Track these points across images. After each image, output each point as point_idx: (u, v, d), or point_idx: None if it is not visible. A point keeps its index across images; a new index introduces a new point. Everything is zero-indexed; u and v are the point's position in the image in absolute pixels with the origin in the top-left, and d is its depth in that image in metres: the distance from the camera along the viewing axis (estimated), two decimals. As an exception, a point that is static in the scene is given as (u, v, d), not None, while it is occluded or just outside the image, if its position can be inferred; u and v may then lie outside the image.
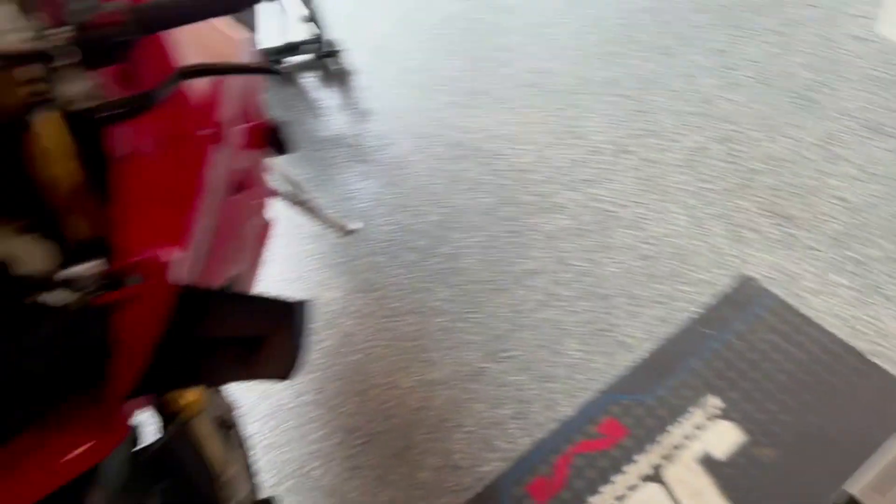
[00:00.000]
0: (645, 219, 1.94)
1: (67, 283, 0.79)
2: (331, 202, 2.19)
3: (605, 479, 1.55)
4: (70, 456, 0.86)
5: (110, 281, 0.81)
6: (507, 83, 2.42)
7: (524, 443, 1.64)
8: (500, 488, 1.58)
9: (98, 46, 0.86)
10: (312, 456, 1.71)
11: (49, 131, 0.91)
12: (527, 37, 2.51)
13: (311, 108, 2.54)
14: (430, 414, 1.71)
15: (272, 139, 1.36)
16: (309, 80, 2.65)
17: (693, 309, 1.75)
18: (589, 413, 1.65)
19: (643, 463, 1.55)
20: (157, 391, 0.92)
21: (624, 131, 2.16)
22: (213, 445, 1.19)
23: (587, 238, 1.93)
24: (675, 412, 1.61)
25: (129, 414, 0.93)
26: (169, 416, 1.08)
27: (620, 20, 2.49)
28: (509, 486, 1.58)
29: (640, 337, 1.73)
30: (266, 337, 0.94)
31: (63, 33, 0.83)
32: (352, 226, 1.96)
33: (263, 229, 1.47)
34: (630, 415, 1.63)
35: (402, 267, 2.01)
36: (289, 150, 1.37)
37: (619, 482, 1.54)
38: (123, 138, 0.96)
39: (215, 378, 0.93)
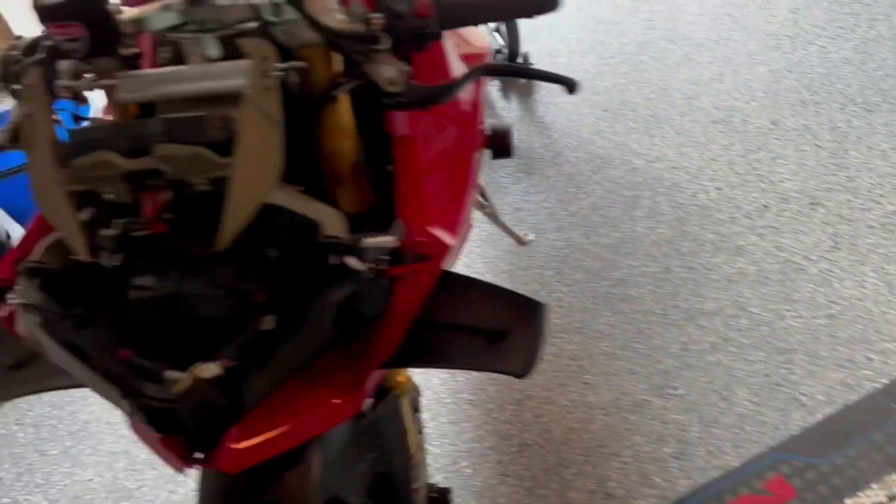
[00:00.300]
0: (833, 277, 1.85)
1: (360, 252, 0.82)
2: (503, 211, 2.20)
3: (768, 539, 1.49)
4: (322, 411, 0.90)
5: (394, 255, 0.84)
6: (692, 116, 2.37)
7: (683, 485, 1.59)
8: (653, 526, 1.55)
9: (406, 36, 0.89)
10: (465, 455, 1.72)
11: (344, 107, 0.96)
12: (718, 73, 2.45)
13: (491, 116, 2.57)
14: (587, 437, 1.70)
15: (499, 143, 1.38)
16: (491, 88, 2.68)
17: (879, 379, 1.66)
18: (756, 467, 1.59)
19: (816, 530, 1.48)
20: (396, 365, 0.95)
21: (816, 183, 2.08)
22: (410, 426, 1.22)
23: (768, 287, 1.87)
24: (853, 484, 1.53)
25: (374, 382, 0.96)
26: (379, 391, 1.11)
27: (822, 68, 2.40)
28: (664, 526, 1.54)
29: (818, 398, 1.66)
30: (508, 331, 0.95)
31: (379, 19, 0.86)
32: (528, 237, 1.97)
33: (469, 229, 1.50)
34: (801, 477, 1.56)
35: (569, 285, 2.00)
36: (511, 155, 1.39)
37: (783, 545, 1.48)
38: (406, 122, 1.00)
39: (453, 362, 0.95)
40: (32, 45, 0.95)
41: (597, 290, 1.97)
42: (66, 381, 1.02)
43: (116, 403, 0.87)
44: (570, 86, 0.93)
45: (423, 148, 0.97)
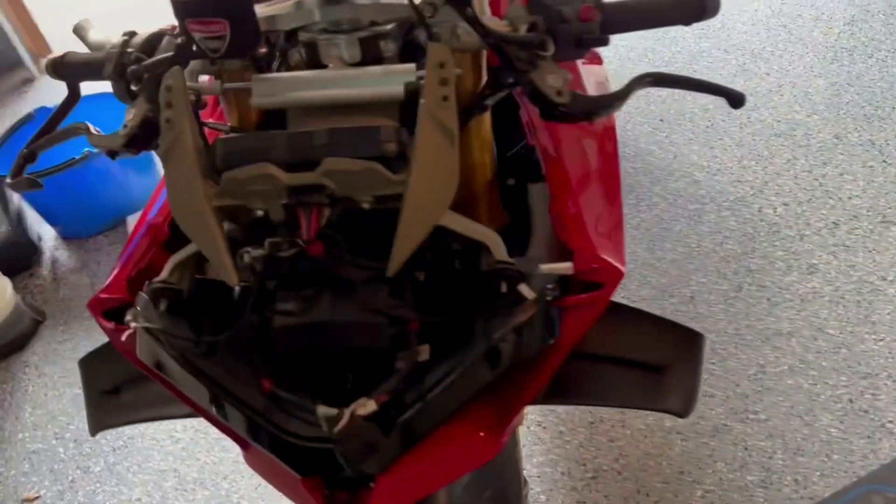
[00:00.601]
0: (914, 299, 1.80)
1: (527, 278, 0.75)
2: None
3: (866, 575, 1.42)
4: (470, 451, 0.82)
5: (561, 283, 0.77)
6: (752, 129, 2.31)
7: (771, 515, 1.53)
8: (743, 559, 1.48)
9: (566, 42, 0.82)
10: (537, 480, 1.64)
11: (487, 119, 0.88)
12: (776, 84, 2.40)
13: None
14: (666, 463, 1.62)
15: None
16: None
17: (972, 407, 1.60)
18: (848, 498, 1.52)
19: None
20: (544, 402, 0.87)
21: (886, 201, 2.02)
22: (521, 456, 1.15)
23: (845, 308, 1.80)
24: (953, 518, 1.47)
25: (519, 419, 0.88)
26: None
27: (883, 82, 2.35)
28: (754, 559, 1.47)
29: (907, 426, 1.60)
30: (667, 365, 0.88)
31: (542, 23, 0.79)
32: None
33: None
34: (896, 510, 1.50)
35: (636, 302, 1.93)
36: None
37: (883, 582, 1.41)
38: (557, 137, 0.92)
39: (608, 399, 0.87)
40: (152, 42, 0.87)
41: (665, 307, 1.90)
42: (171, 411, 0.94)
43: (247, 438, 0.79)
44: (736, 99, 0.86)
45: (575, 164, 0.89)
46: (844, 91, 2.34)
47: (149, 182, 2.55)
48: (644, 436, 1.68)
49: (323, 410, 0.73)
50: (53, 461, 1.86)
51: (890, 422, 1.61)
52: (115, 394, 0.97)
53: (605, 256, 0.78)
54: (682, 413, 0.87)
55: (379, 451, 0.72)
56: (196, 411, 0.86)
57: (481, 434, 0.84)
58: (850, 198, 2.04)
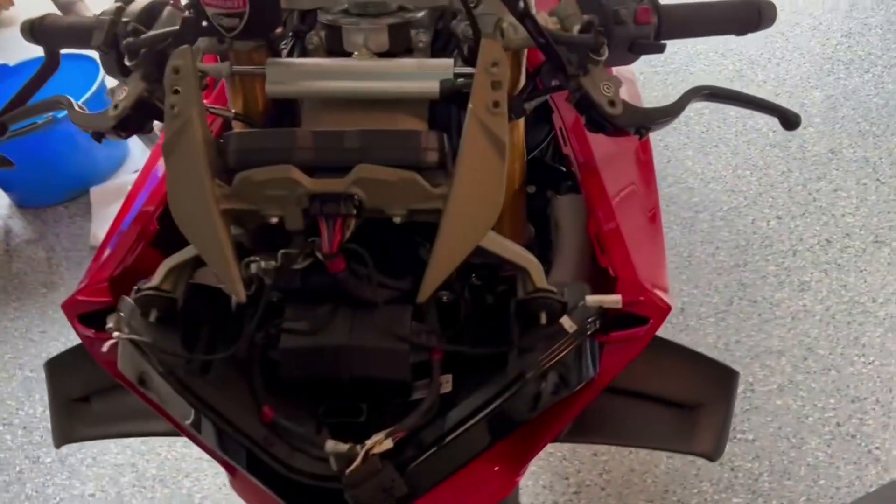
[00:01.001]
0: (904, 323, 1.77)
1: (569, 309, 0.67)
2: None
3: None
4: (487, 492, 0.75)
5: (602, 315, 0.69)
6: (747, 137, 2.27)
7: (756, 540, 1.49)
8: (727, 584, 1.44)
9: (619, 45, 0.74)
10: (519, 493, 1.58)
11: (522, 125, 0.80)
12: (772, 93, 2.36)
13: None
14: (651, 480, 1.57)
15: None
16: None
17: (959, 437, 1.59)
18: (834, 526, 1.50)
19: None
20: (568, 440, 0.80)
21: (879, 220, 1.99)
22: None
23: (836, 329, 1.77)
24: (938, 551, 1.45)
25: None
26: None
27: (879, 98, 2.33)
28: (738, 584, 1.43)
29: (893, 454, 1.57)
30: (700, 404, 0.81)
31: (596, 24, 0.71)
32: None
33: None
34: (881, 540, 1.47)
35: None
36: None
37: None
38: (597, 150, 0.84)
39: (637, 439, 0.81)
40: (150, 12, 0.76)
41: (654, 317, 1.85)
42: (150, 427, 0.85)
43: (240, 469, 0.70)
44: (791, 121, 0.79)
45: (613, 180, 0.82)
46: (840, 105, 2.32)
47: (117, 152, 2.40)
48: (629, 451, 1.63)
49: (332, 446, 0.65)
50: (0, 449, 1.73)
51: (877, 448, 1.59)
52: (85, 402, 0.87)
53: (653, 289, 0.71)
54: (713, 456, 0.81)
55: (394, 495, 0.64)
56: (181, 431, 0.77)
57: (496, 469, 0.76)
58: (843, 215, 2.01)
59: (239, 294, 0.64)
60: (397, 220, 0.63)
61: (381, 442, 0.64)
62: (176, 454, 1.67)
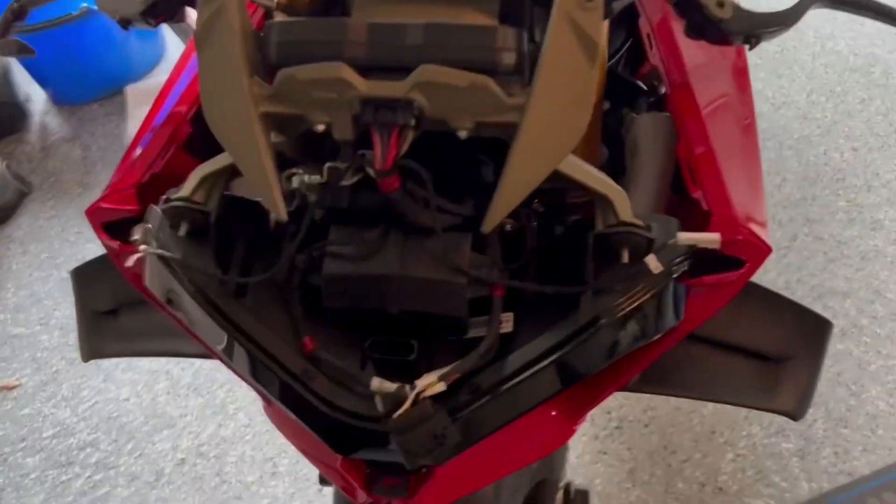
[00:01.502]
0: (984, 270, 1.65)
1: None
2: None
3: (900, 561, 1.34)
4: (542, 440, 0.68)
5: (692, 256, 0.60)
6: (825, 59, 2.09)
7: (804, 488, 1.43)
8: (771, 530, 1.39)
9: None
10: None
11: (606, 27, 0.69)
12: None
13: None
14: (697, 420, 1.51)
15: None
16: None
17: None
18: (890, 478, 1.43)
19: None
20: (635, 389, 0.72)
21: (965, 157, 1.84)
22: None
23: (908, 272, 1.66)
24: None
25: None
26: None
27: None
28: (783, 531, 1.38)
29: (960, 408, 1.48)
30: (788, 356, 0.73)
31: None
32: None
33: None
34: (939, 496, 1.40)
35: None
36: None
37: (917, 570, 1.33)
38: (677, 57, 0.73)
39: (712, 393, 0.73)
40: None
41: (711, 250, 1.75)
42: (180, 347, 0.79)
43: (273, 401, 0.64)
44: None
45: (708, 99, 0.71)
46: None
47: (153, 49, 2.31)
48: (676, 388, 1.56)
49: (379, 384, 0.58)
50: (36, 349, 1.72)
51: (943, 401, 1.50)
52: (114, 315, 0.81)
53: (751, 227, 0.61)
54: (796, 415, 0.73)
55: (446, 444, 0.58)
56: (212, 354, 0.71)
57: (553, 414, 0.69)
58: (925, 150, 1.86)
59: (279, 211, 0.56)
60: (463, 134, 0.54)
61: (433, 384, 0.57)
62: (211, 364, 1.64)
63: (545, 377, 0.59)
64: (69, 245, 1.86)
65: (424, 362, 0.62)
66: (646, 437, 1.50)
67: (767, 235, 0.63)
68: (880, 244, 1.71)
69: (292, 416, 0.63)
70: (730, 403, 0.74)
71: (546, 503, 1.06)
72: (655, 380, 0.71)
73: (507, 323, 0.61)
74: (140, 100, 2.09)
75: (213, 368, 1.63)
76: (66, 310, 1.75)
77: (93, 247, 1.84)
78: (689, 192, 0.64)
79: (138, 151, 0.72)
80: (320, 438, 0.62)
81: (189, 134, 0.72)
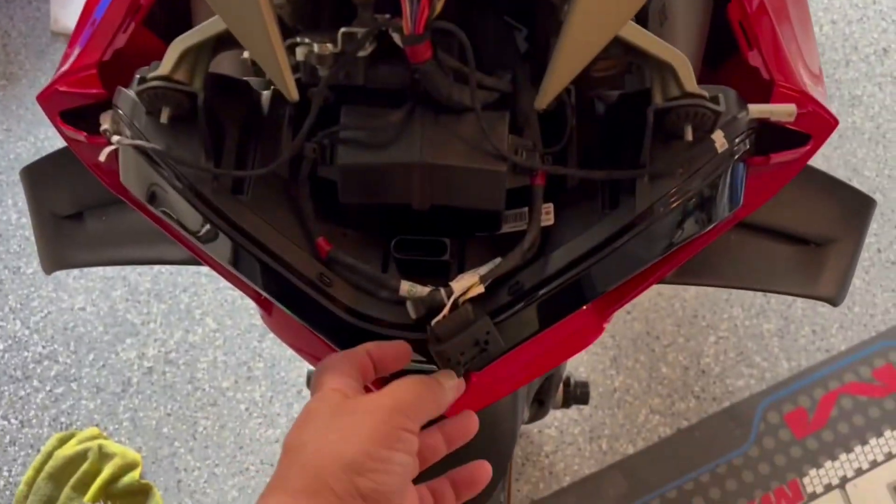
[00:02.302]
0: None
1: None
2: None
3: (876, 430, 1.38)
4: (572, 340, 0.63)
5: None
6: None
7: (784, 367, 1.44)
8: (752, 408, 1.41)
9: None
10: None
11: None
12: None
13: None
14: (679, 305, 1.50)
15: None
16: None
17: None
18: (865, 353, 1.45)
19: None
20: (668, 281, 0.67)
21: (941, 29, 1.80)
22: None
23: (885, 149, 1.64)
24: (970, 380, 1.42)
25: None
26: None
27: None
28: (764, 409, 1.41)
29: (934, 282, 1.50)
30: (831, 239, 0.68)
31: None
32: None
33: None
34: (912, 367, 1.44)
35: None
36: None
37: (891, 437, 1.37)
38: None
39: (749, 280, 0.68)
40: None
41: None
42: (160, 253, 0.69)
43: (285, 309, 0.56)
44: None
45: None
46: None
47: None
48: (657, 273, 1.54)
49: (409, 288, 0.51)
50: (-25, 258, 1.59)
51: (917, 276, 1.51)
52: (77, 219, 0.71)
53: (816, 98, 0.54)
54: (836, 300, 0.69)
55: (489, 349, 0.52)
56: (202, 261, 0.62)
57: (586, 311, 0.63)
58: (903, 21, 1.80)
59: (290, 90, 0.47)
60: None
61: (473, 286, 0.50)
62: (170, 268, 1.54)
63: (595, 274, 0.53)
64: (-2, 144, 1.69)
65: (455, 262, 0.55)
66: (629, 323, 1.49)
67: (826, 99, 0.56)
68: (858, 121, 1.68)
69: (307, 325, 0.55)
70: (770, 291, 0.70)
71: (552, 395, 1.04)
72: (692, 270, 0.66)
73: (547, 215, 0.54)
74: (62, -22, 1.87)
75: (173, 272, 1.53)
76: (2, 215, 1.60)
77: (25, 145, 1.67)
78: (744, 57, 0.57)
79: (90, 28, 0.60)
80: (339, 349, 0.56)
81: (151, 5, 0.60)
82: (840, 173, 1.61)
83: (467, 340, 0.50)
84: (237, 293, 1.50)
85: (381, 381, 0.51)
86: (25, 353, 1.48)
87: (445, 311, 0.49)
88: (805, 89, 0.54)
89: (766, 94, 0.55)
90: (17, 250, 1.57)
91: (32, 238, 1.58)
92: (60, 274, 1.54)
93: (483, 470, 0.53)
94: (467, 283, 0.50)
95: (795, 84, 0.54)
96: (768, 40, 0.56)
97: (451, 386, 0.50)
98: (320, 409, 0.45)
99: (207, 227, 0.53)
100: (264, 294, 0.55)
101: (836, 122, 0.55)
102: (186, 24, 0.68)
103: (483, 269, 0.52)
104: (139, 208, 0.59)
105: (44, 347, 1.48)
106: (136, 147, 0.51)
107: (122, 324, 1.49)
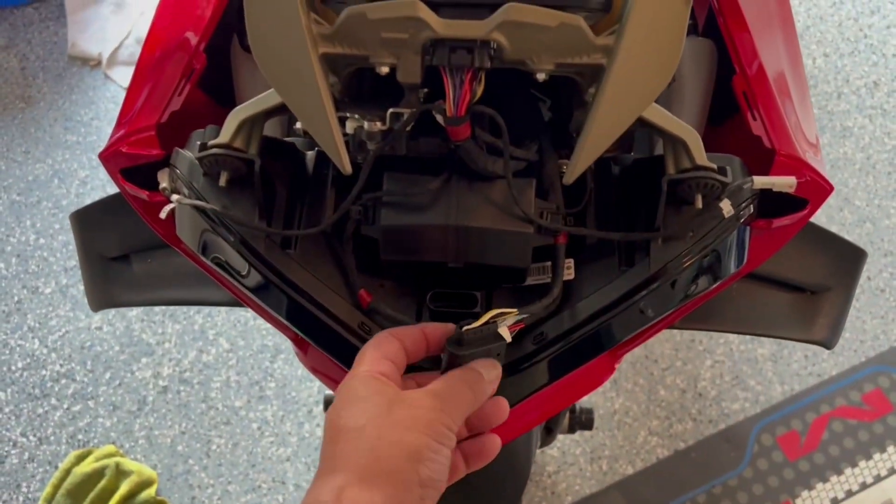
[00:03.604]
0: (945, 176, 1.70)
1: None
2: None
3: (865, 454, 1.43)
4: (586, 381, 0.68)
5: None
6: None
7: (778, 390, 1.50)
8: (747, 430, 1.46)
9: None
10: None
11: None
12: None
13: None
14: (677, 331, 1.55)
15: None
16: None
17: None
18: (855, 378, 1.51)
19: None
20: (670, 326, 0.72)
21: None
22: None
23: (875, 179, 1.70)
24: (955, 405, 1.47)
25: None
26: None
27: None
28: (758, 431, 1.46)
29: (921, 309, 1.56)
30: (826, 288, 0.73)
31: None
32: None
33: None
34: (901, 392, 1.49)
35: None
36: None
37: (880, 460, 1.43)
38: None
39: (746, 325, 0.73)
40: None
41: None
42: (205, 295, 0.74)
43: (331, 358, 0.61)
44: None
45: (757, 20, 0.68)
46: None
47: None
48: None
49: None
50: (-6, 278, 1.63)
51: (905, 303, 1.57)
52: (124, 261, 0.76)
53: (812, 165, 0.60)
54: (829, 344, 0.74)
55: (508, 394, 0.57)
56: (245, 304, 0.67)
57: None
58: (894, 55, 1.87)
59: (344, 164, 0.52)
60: (541, 76, 0.50)
61: (511, 314, 0.55)
62: (184, 288, 1.58)
63: (612, 326, 0.58)
64: (17, 165, 1.73)
65: (483, 312, 0.60)
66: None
67: (823, 166, 0.62)
68: (849, 151, 1.74)
69: (345, 368, 0.60)
70: (767, 336, 0.76)
71: (560, 422, 1.09)
72: (697, 317, 0.71)
73: (569, 270, 0.60)
74: (78, 2, 1.92)
75: (187, 293, 1.58)
76: (20, 235, 1.65)
77: (43, 167, 1.72)
78: (748, 127, 0.62)
79: (147, 89, 0.65)
80: None
81: (205, 66, 0.66)
82: (831, 203, 1.67)
83: (482, 355, 0.54)
84: (250, 314, 1.54)
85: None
86: (44, 372, 1.52)
87: (481, 321, 0.53)
88: (804, 158, 0.60)
89: (765, 157, 0.60)
90: (35, 270, 1.62)
91: (50, 258, 1.63)
92: (77, 293, 1.59)
93: (493, 442, 0.54)
94: (506, 310, 0.55)
95: (795, 153, 0.60)
96: (770, 112, 0.62)
97: (491, 378, 0.52)
98: (371, 396, 0.47)
99: (258, 278, 0.58)
100: (310, 341, 0.60)
101: (832, 189, 0.60)
102: (229, 80, 0.74)
103: (510, 320, 0.57)
104: (190, 257, 0.64)
105: (61, 366, 1.53)
106: (197, 207, 0.56)
107: (138, 343, 1.53)
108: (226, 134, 0.56)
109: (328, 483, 0.44)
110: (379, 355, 0.50)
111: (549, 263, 0.59)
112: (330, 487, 0.44)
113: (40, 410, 1.49)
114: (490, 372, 0.52)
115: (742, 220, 0.57)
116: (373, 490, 0.43)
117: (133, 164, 0.62)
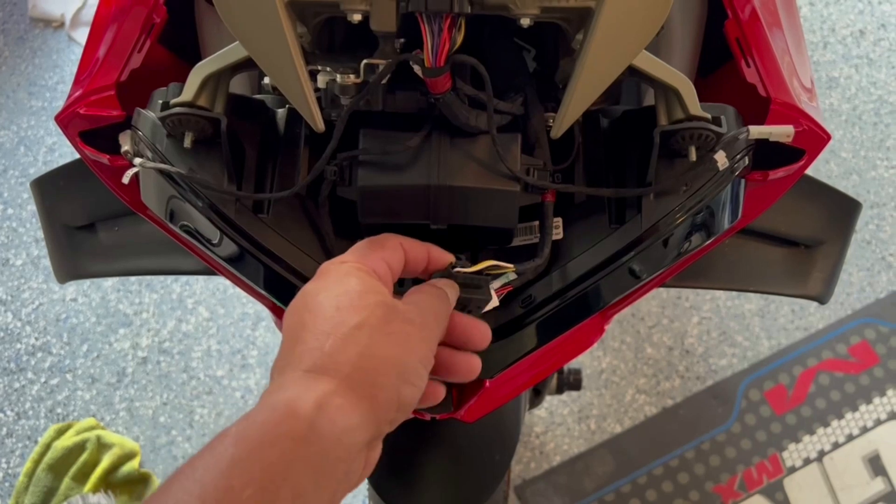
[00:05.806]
0: (931, 125, 1.69)
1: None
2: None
3: (851, 405, 1.44)
4: (573, 346, 0.66)
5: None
6: None
7: (765, 345, 1.49)
8: (734, 386, 1.46)
9: None
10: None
11: None
12: None
13: None
14: (663, 288, 1.53)
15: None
16: None
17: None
18: (841, 331, 1.50)
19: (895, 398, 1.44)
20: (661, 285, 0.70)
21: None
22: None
23: (861, 130, 1.68)
24: (941, 355, 1.48)
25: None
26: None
27: None
28: (746, 386, 1.46)
29: (907, 261, 1.56)
30: (819, 242, 0.71)
31: None
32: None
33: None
34: (886, 344, 1.49)
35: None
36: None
37: (866, 412, 1.43)
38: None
39: (739, 281, 0.71)
40: None
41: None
42: (175, 264, 0.71)
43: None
44: None
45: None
46: None
47: None
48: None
49: None
50: (-38, 250, 1.58)
51: (891, 255, 1.56)
52: (90, 230, 0.72)
53: (809, 114, 0.57)
54: (823, 299, 0.72)
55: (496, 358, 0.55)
56: (217, 272, 0.64)
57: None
58: (880, 2, 1.84)
59: (317, 122, 0.48)
60: (525, 21, 0.47)
61: (508, 270, 0.53)
62: (161, 257, 1.55)
63: (603, 286, 0.56)
64: (-19, 134, 1.67)
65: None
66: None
67: (819, 113, 0.59)
68: (835, 102, 1.72)
69: None
70: (761, 292, 0.73)
71: (548, 384, 1.08)
72: (689, 275, 0.69)
73: (557, 229, 0.57)
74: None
75: (164, 261, 1.54)
76: (-11, 206, 1.60)
77: (8, 135, 1.65)
78: (741, 74, 0.59)
79: (104, 46, 0.61)
80: None
81: (164, 23, 0.61)
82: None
83: (464, 300, 0.52)
84: (229, 282, 1.51)
85: None
86: (18, 345, 1.49)
87: (476, 267, 0.51)
88: (800, 105, 0.57)
89: (759, 104, 0.57)
90: (4, 242, 1.57)
91: (20, 229, 1.58)
92: (48, 263, 1.54)
93: (474, 361, 0.51)
94: (503, 264, 0.52)
95: (791, 101, 0.57)
96: (764, 58, 0.59)
97: (454, 298, 0.50)
98: (368, 294, 0.43)
99: (231, 245, 0.55)
100: (280, 305, 0.57)
101: (829, 138, 0.58)
102: (193, 34, 0.69)
103: (496, 283, 0.54)
104: (158, 224, 0.61)
105: (37, 339, 1.49)
106: (162, 170, 0.53)
107: (115, 314, 1.50)
108: (188, 91, 0.52)
109: (313, 385, 0.39)
110: (379, 256, 0.47)
111: (536, 223, 0.57)
112: (315, 391, 0.38)
113: (17, 385, 1.46)
114: (452, 290, 0.50)
115: (737, 172, 0.55)
116: (356, 403, 0.39)
117: (93, 126, 0.58)
